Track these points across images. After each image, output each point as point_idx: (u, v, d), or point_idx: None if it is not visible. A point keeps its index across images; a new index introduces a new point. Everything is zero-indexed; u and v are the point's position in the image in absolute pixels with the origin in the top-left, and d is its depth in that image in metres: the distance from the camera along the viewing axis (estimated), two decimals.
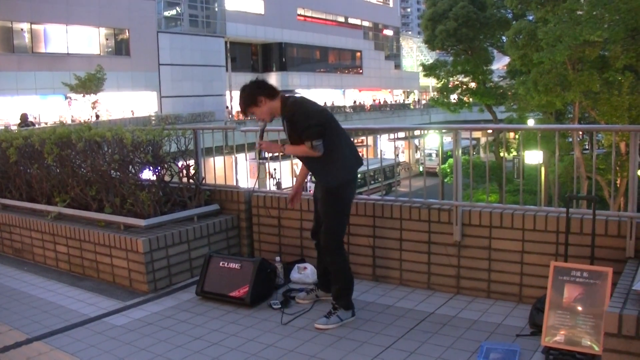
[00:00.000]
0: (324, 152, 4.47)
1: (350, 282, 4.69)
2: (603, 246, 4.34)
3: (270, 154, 4.97)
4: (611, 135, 18.45)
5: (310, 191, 5.39)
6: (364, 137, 23.18)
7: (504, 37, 27.97)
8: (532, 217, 4.67)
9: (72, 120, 30.03)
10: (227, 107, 41.76)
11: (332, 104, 51.55)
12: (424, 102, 65.87)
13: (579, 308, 3.75)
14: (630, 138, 4.34)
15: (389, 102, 59.92)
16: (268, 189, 5.84)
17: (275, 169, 30.45)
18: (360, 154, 4.82)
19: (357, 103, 55.60)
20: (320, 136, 4.45)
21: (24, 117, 24.25)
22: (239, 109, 4.94)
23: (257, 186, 6.47)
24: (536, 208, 4.77)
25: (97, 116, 31.24)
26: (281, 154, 4.79)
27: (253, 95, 4.54)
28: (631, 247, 4.25)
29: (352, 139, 4.91)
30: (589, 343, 3.64)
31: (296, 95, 4.78)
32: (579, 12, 18.58)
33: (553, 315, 3.81)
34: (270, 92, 4.58)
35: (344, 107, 51.92)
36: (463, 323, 4.44)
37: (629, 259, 4.22)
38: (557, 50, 18.05)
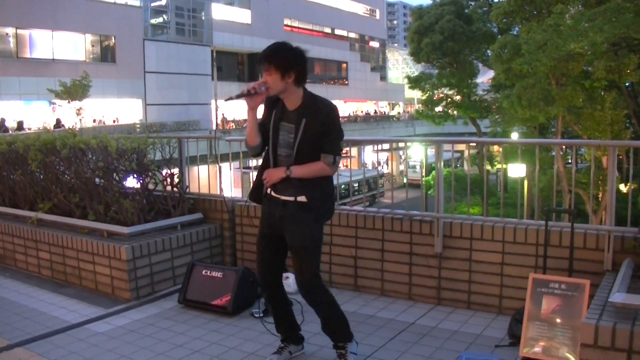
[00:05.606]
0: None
1: (342, 312, 3.96)
2: (581, 259, 4.40)
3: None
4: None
5: None
6: (348, 148, 23.22)
7: (489, 51, 28.24)
8: (512, 229, 4.73)
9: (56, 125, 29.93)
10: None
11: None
12: (405, 114, 66.23)
13: (557, 319, 3.81)
14: (609, 152, 4.42)
15: (374, 114, 60.15)
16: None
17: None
18: (344, 166, 4.61)
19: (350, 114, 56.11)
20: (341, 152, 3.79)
21: (58, 121, 25.63)
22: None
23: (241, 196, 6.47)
24: (516, 221, 4.83)
25: (108, 120, 31.42)
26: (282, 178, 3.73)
27: (292, 63, 3.59)
28: (609, 260, 4.31)
29: None
30: (566, 354, 3.69)
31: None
32: (562, 27, 18.78)
33: (531, 326, 3.87)
34: (304, 76, 3.72)
35: (357, 116, 52.26)
36: (443, 333, 4.49)
37: (607, 271, 4.28)
38: (539, 60, 18.17)
